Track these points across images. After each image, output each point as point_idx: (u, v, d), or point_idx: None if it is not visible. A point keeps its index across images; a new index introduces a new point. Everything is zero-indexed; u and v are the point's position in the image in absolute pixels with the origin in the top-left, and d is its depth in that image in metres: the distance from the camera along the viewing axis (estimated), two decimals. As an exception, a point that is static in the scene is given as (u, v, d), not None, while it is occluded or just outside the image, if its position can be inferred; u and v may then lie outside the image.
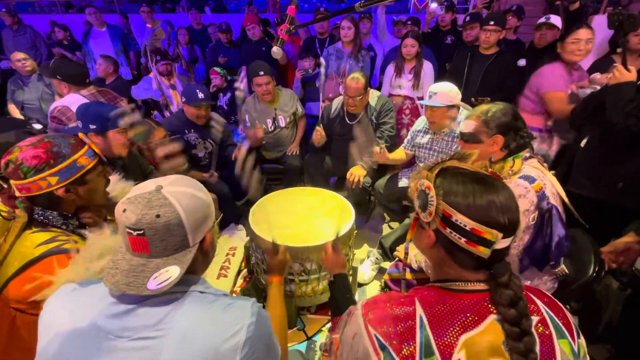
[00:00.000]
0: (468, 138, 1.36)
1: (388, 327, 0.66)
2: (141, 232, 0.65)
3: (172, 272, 0.66)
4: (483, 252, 0.66)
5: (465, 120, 1.39)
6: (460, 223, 0.66)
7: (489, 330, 0.64)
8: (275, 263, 1.28)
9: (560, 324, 0.69)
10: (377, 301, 0.72)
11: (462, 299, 0.67)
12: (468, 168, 0.74)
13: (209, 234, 0.77)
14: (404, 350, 0.63)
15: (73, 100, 2.09)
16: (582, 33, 2.14)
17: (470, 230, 0.65)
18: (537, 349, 0.63)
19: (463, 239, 0.66)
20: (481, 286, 0.69)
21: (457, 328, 0.64)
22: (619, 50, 2.17)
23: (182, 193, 0.70)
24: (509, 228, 0.66)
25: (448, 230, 0.68)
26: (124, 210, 0.66)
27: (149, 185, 0.70)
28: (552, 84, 2.25)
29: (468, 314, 0.65)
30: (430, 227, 0.71)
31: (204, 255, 0.78)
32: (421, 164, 2.28)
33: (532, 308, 0.67)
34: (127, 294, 0.65)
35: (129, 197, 0.68)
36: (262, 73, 2.55)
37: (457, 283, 0.70)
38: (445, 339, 0.63)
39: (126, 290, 0.64)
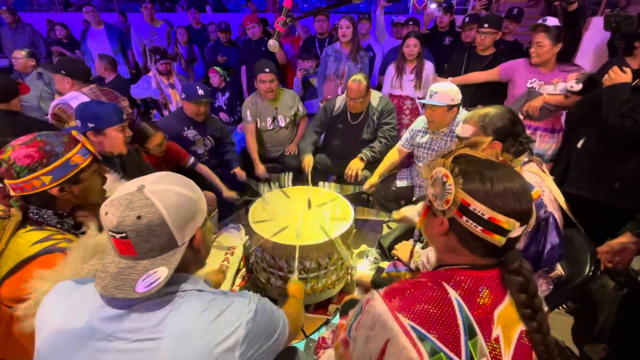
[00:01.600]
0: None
1: (425, 313, 0.62)
2: (123, 234, 0.64)
3: (160, 273, 0.65)
4: (498, 240, 0.65)
5: (462, 124, 1.35)
6: (479, 212, 0.65)
7: (512, 302, 0.67)
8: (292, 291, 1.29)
9: None
10: (399, 288, 0.67)
11: (486, 275, 0.68)
12: (481, 156, 0.73)
13: (199, 231, 0.74)
14: (449, 336, 0.61)
15: (74, 97, 2.09)
16: (538, 37, 2.21)
17: (488, 219, 0.65)
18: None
19: (480, 228, 0.65)
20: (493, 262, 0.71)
21: (490, 304, 0.65)
22: (635, 52, 2.18)
23: (165, 191, 0.68)
24: (525, 216, 0.66)
25: (464, 218, 0.67)
26: (106, 213, 0.65)
27: (131, 185, 0.68)
28: (500, 68, 2.51)
29: (494, 289, 0.67)
30: (446, 215, 0.70)
31: (196, 253, 0.76)
32: (420, 164, 2.30)
33: None
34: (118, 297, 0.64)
35: (112, 198, 0.67)
36: (267, 70, 2.58)
37: (467, 266, 0.70)
38: (483, 317, 0.63)
39: (115, 293, 0.63)
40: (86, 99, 2.05)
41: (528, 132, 2.31)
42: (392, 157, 2.40)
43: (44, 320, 0.69)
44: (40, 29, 4.72)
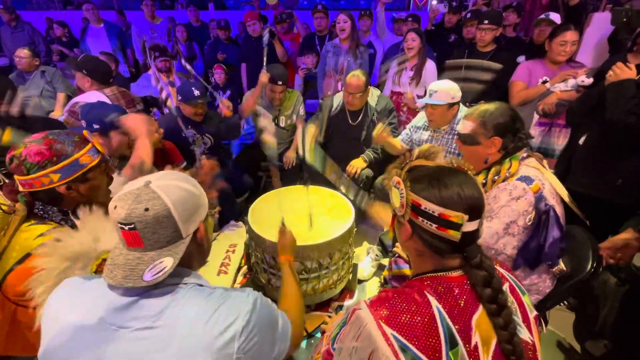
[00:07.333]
0: (465, 139, 1.35)
1: (409, 323, 0.65)
2: (132, 226, 0.67)
3: (166, 263, 0.69)
4: (454, 235, 0.70)
5: (463, 121, 1.37)
6: (429, 210, 0.71)
7: None
8: (284, 243, 1.29)
9: (520, 283, 0.80)
10: (385, 298, 0.70)
11: (461, 280, 0.72)
12: (434, 164, 0.81)
13: (202, 224, 0.78)
14: (430, 346, 0.63)
15: (96, 98, 2.08)
16: (569, 35, 2.20)
17: (438, 216, 0.70)
18: (518, 315, 0.72)
19: (434, 225, 0.71)
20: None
21: (467, 312, 0.67)
22: (635, 48, 2.17)
23: (170, 186, 0.72)
24: (474, 210, 0.70)
25: (420, 219, 0.72)
26: (115, 207, 0.69)
27: (138, 181, 0.72)
28: (517, 75, 2.46)
29: (469, 293, 0.69)
30: (405, 218, 0.76)
31: (199, 246, 0.80)
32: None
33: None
34: (127, 287, 0.67)
35: (120, 194, 0.70)
36: (280, 83, 2.62)
37: (442, 273, 0.74)
38: (463, 325, 0.65)
39: (124, 283, 0.66)
40: (107, 100, 2.06)
41: (543, 129, 2.36)
42: (397, 144, 2.38)
43: (54, 316, 0.71)
44: (39, 27, 4.71)
